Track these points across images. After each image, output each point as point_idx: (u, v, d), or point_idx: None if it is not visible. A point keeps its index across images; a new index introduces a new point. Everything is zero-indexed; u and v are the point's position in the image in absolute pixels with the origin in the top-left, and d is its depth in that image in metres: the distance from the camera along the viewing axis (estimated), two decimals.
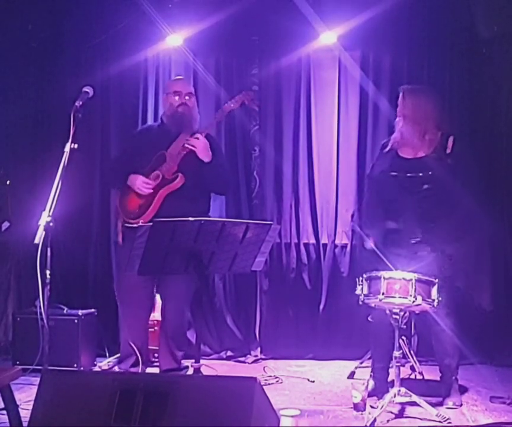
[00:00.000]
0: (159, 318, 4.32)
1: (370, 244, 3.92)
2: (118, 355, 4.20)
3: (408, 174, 3.84)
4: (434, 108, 3.91)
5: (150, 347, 4.51)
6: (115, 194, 4.27)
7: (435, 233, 3.80)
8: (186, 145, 3.94)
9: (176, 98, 4.06)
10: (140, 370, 3.98)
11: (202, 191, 4.09)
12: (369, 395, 3.66)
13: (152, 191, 3.93)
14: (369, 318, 3.93)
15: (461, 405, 3.81)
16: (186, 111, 4.05)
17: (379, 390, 3.78)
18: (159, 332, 4.28)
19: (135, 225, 3.81)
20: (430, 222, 3.80)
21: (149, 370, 4.48)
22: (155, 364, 4.43)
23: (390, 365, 3.77)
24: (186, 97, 4.07)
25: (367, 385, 3.83)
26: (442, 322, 3.79)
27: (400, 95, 3.95)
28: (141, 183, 3.94)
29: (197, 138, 3.95)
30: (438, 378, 4.02)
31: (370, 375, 4.00)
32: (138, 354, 3.99)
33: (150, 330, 4.62)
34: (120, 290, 4.10)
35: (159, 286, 4.14)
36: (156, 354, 4.48)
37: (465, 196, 3.80)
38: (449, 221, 3.82)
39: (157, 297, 4.37)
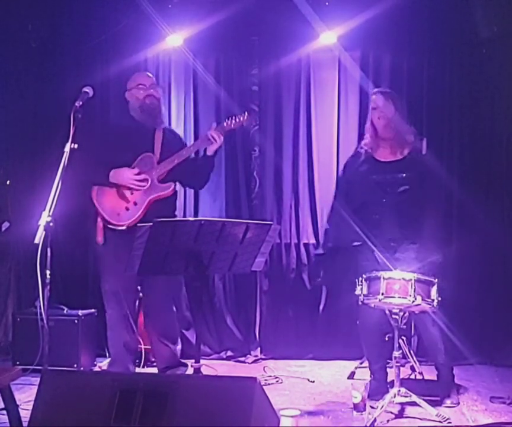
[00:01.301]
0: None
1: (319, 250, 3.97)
2: (109, 360, 4.17)
3: (387, 177, 3.88)
4: (403, 111, 4.00)
5: (149, 347, 4.52)
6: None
7: (414, 230, 3.83)
8: (213, 136, 3.87)
9: (141, 91, 3.97)
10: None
11: (175, 195, 4.07)
12: (369, 396, 3.66)
13: (143, 191, 3.84)
14: (357, 322, 3.94)
15: (458, 403, 3.82)
16: (154, 103, 3.97)
17: (379, 391, 3.78)
18: (146, 330, 4.23)
19: (119, 228, 3.81)
20: (408, 222, 3.83)
21: (149, 370, 4.49)
22: (155, 364, 4.42)
23: (389, 364, 3.77)
24: (151, 89, 3.99)
25: (367, 385, 3.85)
26: (430, 320, 3.80)
27: (381, 97, 3.96)
28: (134, 178, 3.82)
29: (221, 135, 3.91)
30: (436, 378, 4.02)
31: (370, 377, 4.00)
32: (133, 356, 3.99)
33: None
34: (105, 291, 4.00)
35: (142, 281, 4.06)
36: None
37: (437, 196, 3.95)
38: (427, 221, 3.86)
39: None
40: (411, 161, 3.90)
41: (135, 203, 3.84)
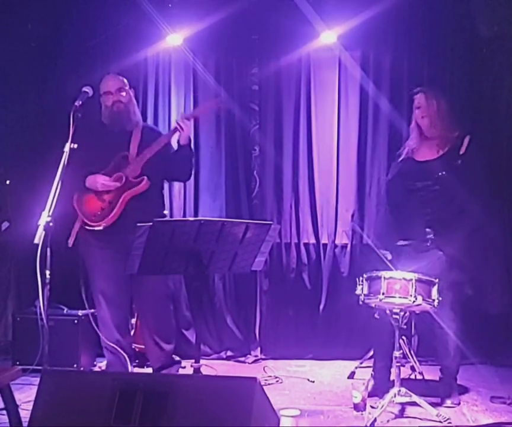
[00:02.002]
0: None
1: (387, 255, 3.95)
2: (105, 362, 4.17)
3: (420, 177, 3.89)
4: (448, 109, 3.98)
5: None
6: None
7: (444, 235, 3.81)
8: (179, 124, 3.90)
9: (109, 97, 3.97)
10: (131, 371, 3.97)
11: (159, 191, 4.09)
12: (370, 395, 3.66)
13: (117, 189, 3.86)
14: (376, 315, 3.91)
15: (459, 404, 3.81)
16: (120, 108, 3.96)
17: (380, 389, 3.78)
18: (140, 330, 4.24)
19: (96, 228, 3.84)
20: (439, 225, 3.82)
21: (149, 370, 4.48)
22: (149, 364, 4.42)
23: (392, 365, 3.77)
24: (121, 93, 3.98)
25: (367, 385, 3.84)
26: (446, 326, 3.79)
27: (423, 96, 3.98)
28: (102, 181, 3.86)
29: (187, 120, 3.94)
30: (438, 378, 4.02)
31: (371, 375, 4.00)
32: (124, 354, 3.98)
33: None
34: (94, 294, 4.02)
35: (132, 282, 4.02)
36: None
37: (473, 199, 3.81)
38: (458, 224, 3.83)
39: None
40: (447, 160, 3.88)
41: (110, 202, 3.87)
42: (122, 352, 3.95)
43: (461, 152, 3.88)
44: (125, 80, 4.09)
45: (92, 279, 4.01)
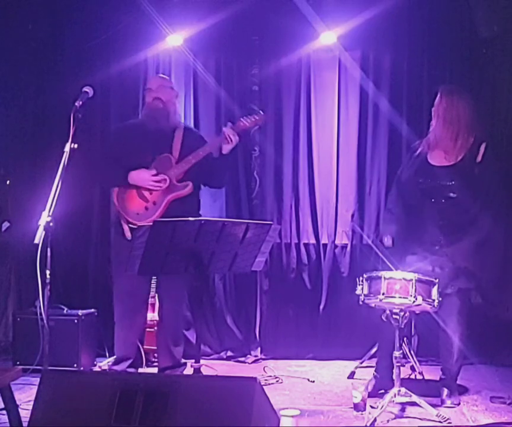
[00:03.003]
0: (157, 318, 4.31)
1: (389, 240, 3.91)
2: (114, 357, 4.18)
3: (434, 182, 3.84)
4: (467, 111, 3.83)
5: (150, 347, 4.52)
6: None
7: (456, 244, 3.79)
8: (228, 135, 3.88)
9: (150, 93, 4.01)
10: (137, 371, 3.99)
11: (197, 195, 4.10)
12: (370, 396, 3.66)
13: (161, 191, 3.88)
14: (383, 317, 3.91)
15: (459, 404, 3.81)
16: (159, 105, 3.97)
17: (382, 387, 3.77)
18: (157, 332, 4.28)
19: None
20: (452, 232, 3.80)
21: (149, 370, 4.49)
22: (155, 364, 4.42)
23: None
24: (162, 92, 3.99)
25: (368, 385, 3.84)
26: (452, 330, 3.79)
27: (438, 94, 3.91)
28: (151, 179, 3.86)
29: (234, 132, 3.91)
30: (438, 378, 4.02)
31: (373, 374, 3.98)
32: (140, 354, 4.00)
33: (149, 330, 4.63)
34: (119, 289, 4.04)
35: (158, 287, 4.13)
36: (156, 354, 4.48)
37: (487, 208, 3.76)
38: (471, 232, 3.80)
39: (156, 297, 4.37)
40: (463, 168, 3.80)
41: (154, 203, 3.89)
42: (141, 349, 4.08)
43: (477, 160, 3.79)
44: (171, 82, 4.17)
45: (118, 278, 4.00)
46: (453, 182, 3.79)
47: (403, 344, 4.21)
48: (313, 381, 4.45)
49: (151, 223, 3.10)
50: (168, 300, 4.04)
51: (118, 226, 3.92)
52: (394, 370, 3.57)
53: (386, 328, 3.84)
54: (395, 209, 4.05)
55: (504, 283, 4.81)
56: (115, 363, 4.05)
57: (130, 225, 3.86)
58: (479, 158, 3.81)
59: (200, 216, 4.19)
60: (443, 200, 3.82)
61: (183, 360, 4.13)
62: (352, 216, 5.13)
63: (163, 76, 4.23)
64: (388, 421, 3.49)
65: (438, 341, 3.95)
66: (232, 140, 3.89)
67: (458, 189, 3.78)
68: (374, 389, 3.83)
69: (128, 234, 3.86)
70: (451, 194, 3.80)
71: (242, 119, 3.98)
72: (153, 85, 4.05)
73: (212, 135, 5.26)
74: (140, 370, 4.50)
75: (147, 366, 4.66)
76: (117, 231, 3.97)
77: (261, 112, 4.08)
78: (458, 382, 4.00)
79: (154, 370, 4.32)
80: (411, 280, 3.43)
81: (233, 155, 4.05)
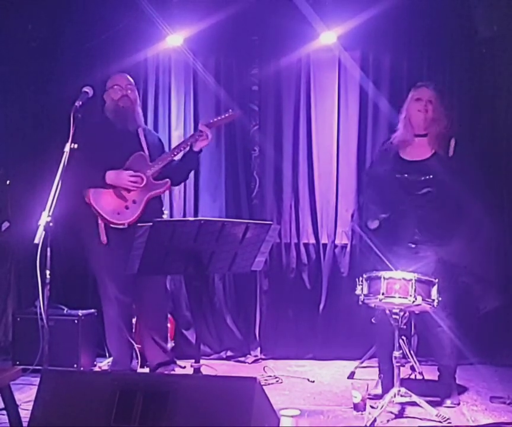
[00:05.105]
0: None
1: (375, 223, 3.90)
2: (109, 360, 4.19)
3: (410, 177, 3.84)
4: (438, 107, 3.89)
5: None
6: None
7: (435, 237, 3.80)
8: (205, 131, 3.95)
9: (117, 91, 4.02)
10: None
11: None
12: (378, 397, 3.65)
13: (140, 190, 3.91)
14: (372, 320, 3.92)
15: (458, 404, 3.81)
16: (127, 104, 4.01)
17: (389, 388, 3.77)
18: (139, 328, 4.27)
19: (121, 226, 3.86)
20: (430, 226, 3.81)
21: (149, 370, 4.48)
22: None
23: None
24: (128, 90, 4.04)
25: (378, 383, 3.83)
26: (442, 323, 3.79)
27: (426, 90, 3.92)
28: (129, 179, 3.88)
29: (209, 129, 4.00)
30: (437, 378, 4.02)
31: (379, 376, 3.98)
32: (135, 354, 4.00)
33: None
34: (106, 293, 4.02)
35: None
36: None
37: (467, 199, 3.78)
38: (450, 225, 3.82)
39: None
40: (436, 161, 3.83)
41: (134, 201, 3.92)
42: (135, 347, 4.05)
43: (450, 154, 3.85)
44: (133, 81, 4.17)
45: (105, 279, 4.01)
46: (430, 176, 3.81)
47: (403, 344, 4.21)
48: (313, 381, 4.45)
49: (150, 223, 3.09)
50: (144, 291, 4.01)
51: (94, 229, 3.90)
52: (394, 371, 3.57)
53: (379, 332, 3.85)
54: (373, 205, 4.02)
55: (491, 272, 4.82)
56: (113, 365, 4.07)
57: (111, 226, 3.87)
58: (450, 153, 3.85)
59: (163, 214, 4.33)
60: (420, 194, 3.82)
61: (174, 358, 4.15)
62: (352, 216, 5.12)
63: (126, 75, 4.18)
64: (388, 421, 3.49)
65: (431, 340, 3.95)
66: (207, 137, 3.96)
67: (435, 183, 3.80)
68: (384, 389, 3.81)
69: (103, 238, 3.88)
70: (428, 189, 3.81)
71: (214, 118, 4.14)
72: (121, 82, 4.06)
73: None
74: (140, 370, 4.51)
75: (146, 366, 4.65)
76: (91, 234, 3.93)
77: (230, 111, 4.15)
78: (458, 382, 4.00)
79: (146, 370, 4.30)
80: (411, 280, 3.43)
81: (201, 154, 4.14)
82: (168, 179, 3.99)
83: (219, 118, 4.13)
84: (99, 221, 3.89)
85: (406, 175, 3.86)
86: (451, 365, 3.88)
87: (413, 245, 3.81)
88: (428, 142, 3.88)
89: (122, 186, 3.89)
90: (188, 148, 4.07)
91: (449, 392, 3.84)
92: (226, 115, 4.11)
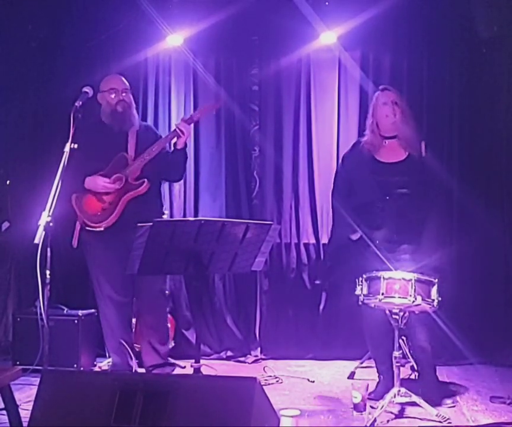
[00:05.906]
0: None
1: (357, 234, 3.90)
2: (109, 360, 4.19)
3: (388, 179, 3.85)
4: (406, 108, 3.93)
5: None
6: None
7: (412, 233, 3.81)
8: (179, 128, 3.93)
9: (113, 95, 4.02)
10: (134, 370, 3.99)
11: (157, 192, 4.15)
12: (378, 398, 3.65)
13: (117, 191, 3.91)
14: (362, 323, 3.91)
15: (456, 403, 3.81)
16: (125, 108, 4.02)
17: (388, 389, 3.77)
18: (137, 329, 4.27)
19: (97, 229, 3.88)
20: (407, 225, 3.81)
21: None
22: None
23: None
24: (123, 94, 4.04)
25: (375, 386, 3.83)
26: (416, 323, 3.79)
27: (392, 94, 3.93)
28: (103, 184, 3.91)
29: (188, 125, 3.98)
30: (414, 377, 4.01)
31: (380, 378, 3.97)
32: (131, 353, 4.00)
33: None
34: (100, 293, 4.05)
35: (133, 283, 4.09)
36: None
37: (441, 200, 3.90)
38: (428, 225, 3.84)
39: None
40: (411, 163, 3.86)
41: (110, 203, 3.92)
42: (129, 350, 4.01)
43: (423, 155, 3.88)
44: (128, 83, 4.16)
45: (95, 280, 4.03)
46: (405, 178, 3.82)
47: (403, 344, 4.21)
48: (313, 381, 4.45)
49: (150, 223, 3.09)
50: (142, 292, 4.03)
51: (70, 231, 3.94)
52: (394, 371, 3.57)
53: (370, 332, 3.86)
54: (345, 208, 4.01)
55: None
56: (113, 366, 4.07)
57: (87, 228, 3.90)
58: (423, 153, 3.89)
59: (164, 215, 4.31)
60: (396, 196, 3.82)
61: (171, 360, 4.14)
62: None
63: (121, 76, 4.17)
64: (388, 421, 3.49)
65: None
66: (183, 133, 3.94)
67: (410, 184, 3.82)
68: (381, 391, 3.80)
69: (74, 242, 3.92)
70: (403, 190, 3.82)
71: (195, 111, 4.20)
72: (117, 86, 4.05)
73: (211, 135, 5.29)
74: (140, 370, 4.51)
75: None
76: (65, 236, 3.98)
77: (214, 101, 4.21)
78: (457, 382, 4.00)
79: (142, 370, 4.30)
80: (410, 280, 3.43)
81: (186, 150, 4.09)
82: (144, 180, 3.93)
83: (199, 110, 4.16)
84: (77, 224, 3.93)
85: (384, 177, 3.86)
86: (428, 348, 3.84)
87: (391, 245, 3.81)
88: (400, 144, 3.90)
89: (97, 190, 3.92)
90: (172, 148, 4.07)
91: (441, 392, 3.82)
92: (206, 106, 4.15)
